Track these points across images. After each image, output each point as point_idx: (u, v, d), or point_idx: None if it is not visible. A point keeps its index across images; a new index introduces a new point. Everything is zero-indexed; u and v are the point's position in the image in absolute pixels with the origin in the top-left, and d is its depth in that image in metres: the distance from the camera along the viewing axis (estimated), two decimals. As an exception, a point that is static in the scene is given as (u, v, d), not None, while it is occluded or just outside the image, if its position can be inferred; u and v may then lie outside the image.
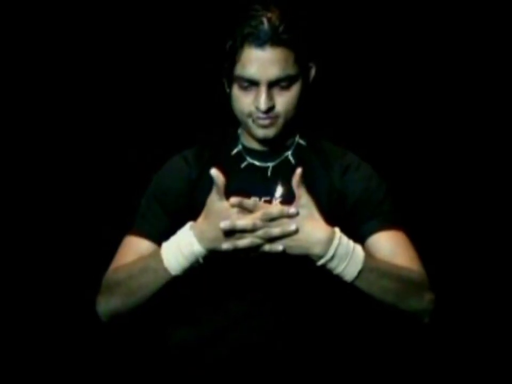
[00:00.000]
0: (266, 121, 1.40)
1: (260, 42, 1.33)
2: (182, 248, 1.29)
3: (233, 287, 1.45)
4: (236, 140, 1.53)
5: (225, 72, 1.43)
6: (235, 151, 1.51)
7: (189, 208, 1.43)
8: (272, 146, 1.49)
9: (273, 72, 1.35)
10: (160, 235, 1.41)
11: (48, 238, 2.39)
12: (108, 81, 2.38)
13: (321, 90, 2.29)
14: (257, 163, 1.48)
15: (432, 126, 2.45)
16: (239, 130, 1.54)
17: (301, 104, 1.45)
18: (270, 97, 1.37)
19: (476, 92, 2.42)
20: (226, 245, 1.25)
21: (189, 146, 1.61)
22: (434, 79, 2.43)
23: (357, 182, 1.49)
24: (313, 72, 1.50)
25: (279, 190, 1.36)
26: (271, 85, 1.37)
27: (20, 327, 2.38)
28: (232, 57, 1.37)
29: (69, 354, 2.37)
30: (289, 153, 1.50)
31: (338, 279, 1.34)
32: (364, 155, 1.60)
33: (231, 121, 1.55)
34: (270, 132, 1.42)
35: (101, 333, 1.47)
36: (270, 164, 1.47)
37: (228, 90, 1.47)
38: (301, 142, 1.54)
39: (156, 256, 1.33)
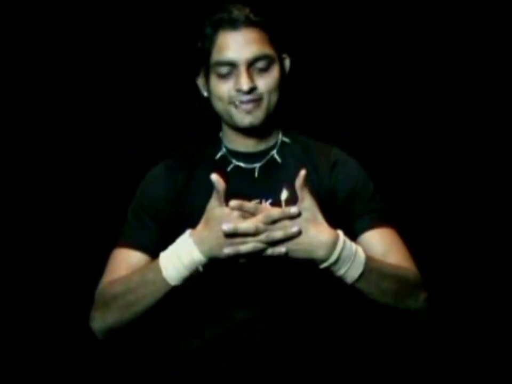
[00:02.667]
0: (250, 105, 1.38)
1: (234, 25, 1.35)
2: (181, 257, 1.26)
3: (236, 293, 1.43)
4: (218, 144, 1.51)
5: (202, 66, 1.42)
6: (219, 154, 1.49)
7: (177, 216, 1.42)
8: (257, 145, 1.48)
9: (250, 51, 1.35)
10: (150, 245, 1.40)
11: (44, 241, 2.37)
12: (108, 82, 2.37)
13: (310, 88, 2.32)
14: (243, 165, 1.46)
15: (423, 123, 2.45)
16: (221, 134, 1.52)
17: (281, 91, 1.44)
18: (251, 78, 1.36)
19: (469, 89, 2.42)
20: (227, 250, 1.22)
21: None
22: (426, 76, 2.43)
23: (346, 179, 1.48)
24: (287, 63, 1.49)
25: (284, 194, 1.30)
26: (250, 65, 1.36)
27: (18, 340, 2.36)
28: (207, 47, 1.38)
29: (73, 364, 2.36)
30: (274, 152, 1.48)
31: (339, 280, 1.33)
32: (354, 152, 1.58)
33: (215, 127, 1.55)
34: (255, 118, 1.40)
35: (102, 342, 1.44)
36: (257, 165, 1.46)
37: (205, 93, 1.46)
38: (285, 139, 1.52)
39: (154, 267, 1.30)
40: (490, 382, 2.41)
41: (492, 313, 2.44)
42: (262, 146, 1.48)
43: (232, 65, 1.36)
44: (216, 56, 1.38)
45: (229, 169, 1.45)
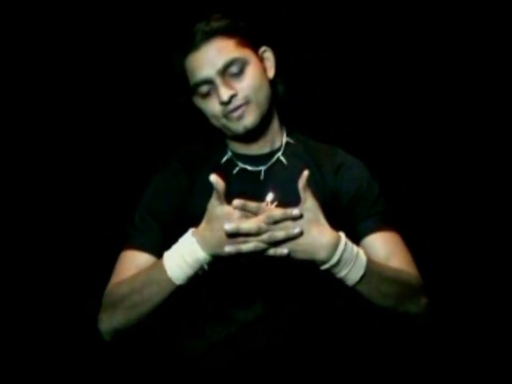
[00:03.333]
0: (239, 111, 1.40)
1: (195, 46, 1.38)
2: (185, 255, 1.27)
3: (237, 294, 1.44)
4: (224, 148, 1.53)
5: (186, 92, 1.45)
6: (225, 158, 1.51)
7: (183, 218, 1.43)
8: (262, 148, 1.50)
9: (217, 61, 1.37)
10: (157, 247, 1.41)
11: (45, 243, 2.37)
12: (108, 82, 2.38)
13: (310, 88, 2.32)
14: (249, 168, 1.48)
15: (423, 123, 2.45)
16: (227, 139, 1.53)
17: (270, 86, 1.45)
18: (229, 86, 1.38)
19: (469, 90, 2.42)
20: (229, 249, 1.22)
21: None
22: (426, 76, 2.43)
23: (351, 181, 1.49)
24: (269, 55, 1.49)
25: (270, 195, 1.32)
26: (223, 75, 1.38)
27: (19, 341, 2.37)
28: (181, 75, 1.42)
29: (75, 364, 2.35)
30: (279, 154, 1.50)
31: (340, 282, 1.33)
32: (354, 152, 1.58)
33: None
34: (247, 121, 1.41)
35: (104, 343, 1.44)
36: (262, 168, 1.47)
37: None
38: (290, 141, 1.53)
39: (158, 266, 1.31)
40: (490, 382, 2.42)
41: (491, 315, 2.45)
42: (267, 148, 1.50)
43: (208, 82, 1.39)
44: (191, 80, 1.41)
45: (234, 172, 1.47)
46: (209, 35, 1.37)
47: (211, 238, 1.24)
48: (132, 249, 1.44)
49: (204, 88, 1.39)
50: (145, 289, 1.32)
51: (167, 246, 1.34)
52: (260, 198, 1.33)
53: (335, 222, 1.32)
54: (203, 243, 1.25)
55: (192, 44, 1.37)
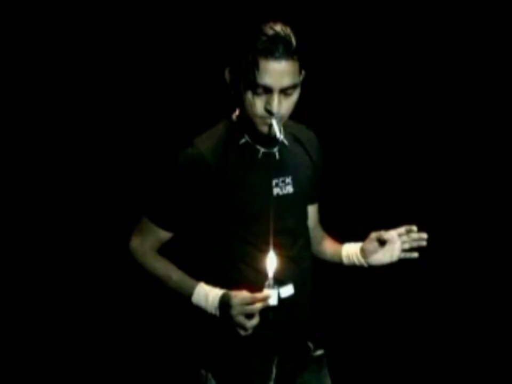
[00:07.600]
0: (274, 122, 1.61)
1: (277, 56, 1.55)
2: (207, 303, 1.68)
3: None
4: (239, 132, 1.70)
5: (243, 80, 1.60)
6: (243, 141, 1.69)
7: (208, 197, 1.65)
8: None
9: (285, 81, 1.57)
10: (177, 225, 1.70)
11: (44, 239, 2.41)
12: (109, 83, 2.40)
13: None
14: (266, 151, 1.70)
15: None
16: (235, 120, 1.72)
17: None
18: (280, 104, 1.59)
19: (466, 91, 2.45)
20: (244, 333, 1.61)
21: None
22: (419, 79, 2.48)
23: (320, 153, 1.83)
24: (302, 77, 1.67)
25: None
26: (281, 91, 1.58)
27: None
28: (251, 68, 1.57)
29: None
30: (282, 137, 1.69)
31: None
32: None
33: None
34: (272, 132, 1.61)
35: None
36: (275, 149, 1.70)
37: (231, 91, 1.64)
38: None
39: (189, 287, 1.71)
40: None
41: (491, 314, 2.46)
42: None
43: (268, 88, 1.57)
44: (257, 77, 1.57)
45: (259, 156, 1.69)
46: (291, 55, 1.56)
47: (228, 318, 1.61)
48: (155, 224, 1.71)
49: (260, 90, 1.57)
50: (172, 285, 1.73)
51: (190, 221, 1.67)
52: (281, 175, 1.69)
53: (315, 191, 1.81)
54: (221, 312, 1.64)
55: (277, 53, 1.55)
